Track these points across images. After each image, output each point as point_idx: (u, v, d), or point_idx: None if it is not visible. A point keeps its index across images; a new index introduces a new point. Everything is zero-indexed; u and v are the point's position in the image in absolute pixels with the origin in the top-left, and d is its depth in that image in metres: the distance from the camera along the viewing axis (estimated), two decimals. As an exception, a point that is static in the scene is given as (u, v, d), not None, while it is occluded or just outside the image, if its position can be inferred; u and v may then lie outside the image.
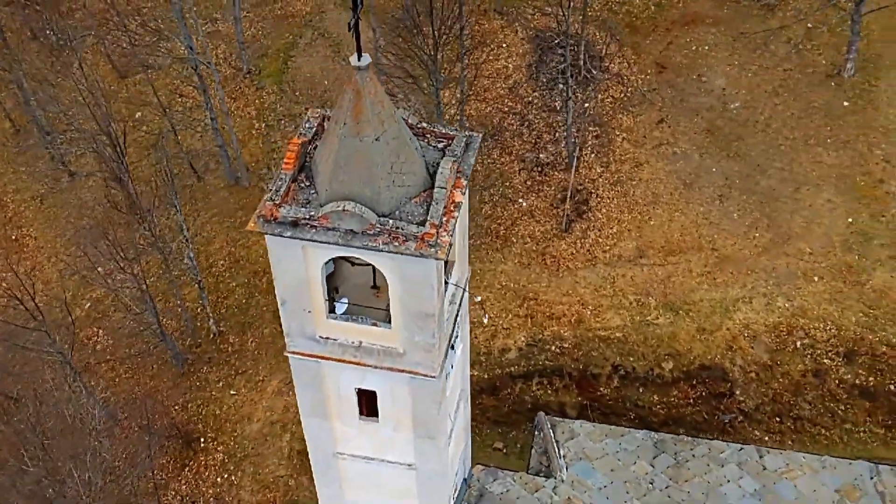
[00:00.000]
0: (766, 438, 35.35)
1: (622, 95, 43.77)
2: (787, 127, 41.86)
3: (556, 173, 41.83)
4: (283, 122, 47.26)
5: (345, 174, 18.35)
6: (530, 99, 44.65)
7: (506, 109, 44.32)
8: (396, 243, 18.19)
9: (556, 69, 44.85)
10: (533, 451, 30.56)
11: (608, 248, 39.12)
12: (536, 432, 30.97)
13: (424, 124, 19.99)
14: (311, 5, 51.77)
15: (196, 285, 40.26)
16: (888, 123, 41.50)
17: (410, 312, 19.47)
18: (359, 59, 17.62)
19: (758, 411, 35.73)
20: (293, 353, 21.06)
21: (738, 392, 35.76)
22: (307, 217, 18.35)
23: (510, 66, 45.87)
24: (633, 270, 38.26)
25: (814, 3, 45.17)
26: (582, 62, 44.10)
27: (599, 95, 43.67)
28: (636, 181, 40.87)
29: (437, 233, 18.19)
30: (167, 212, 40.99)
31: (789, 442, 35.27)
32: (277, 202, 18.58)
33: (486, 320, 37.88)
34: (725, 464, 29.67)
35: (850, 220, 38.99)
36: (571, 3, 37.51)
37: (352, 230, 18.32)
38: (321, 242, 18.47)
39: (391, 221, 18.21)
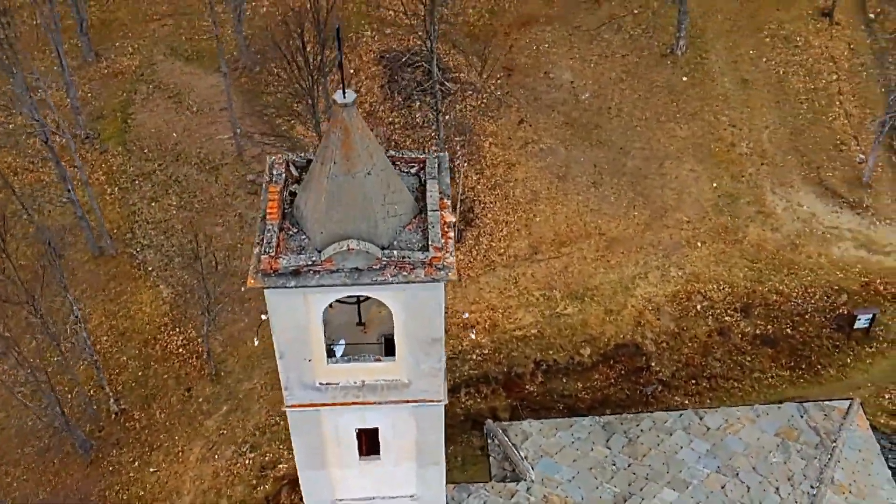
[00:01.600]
0: (686, 402, 37.16)
1: (479, 103, 44.80)
2: (637, 108, 44.18)
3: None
4: (137, 182, 45.27)
5: (339, 213, 18.05)
6: (391, 119, 44.92)
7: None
8: (405, 273, 18.07)
9: (411, 86, 45.35)
10: (491, 458, 30.83)
11: (502, 250, 39.95)
12: (490, 440, 31.26)
13: (392, 152, 19.94)
14: (139, 59, 49.86)
15: (88, 365, 37.94)
16: (725, 91, 44.61)
17: (417, 340, 19.34)
18: (344, 96, 17.40)
19: (674, 378, 37.51)
20: (293, 406, 20.43)
21: (653, 363, 37.41)
22: (309, 263, 17.92)
23: (363, 89, 45.96)
24: (531, 268, 39.25)
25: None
26: (435, 76, 44.80)
27: (458, 106, 44.51)
28: (513, 182, 41.96)
29: (443, 255, 18.20)
30: (46, 293, 38.45)
31: (707, 401, 37.22)
32: (273, 254, 18.02)
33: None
34: (673, 432, 31.04)
35: (714, 185, 41.63)
36: (431, 24, 37.97)
37: (357, 268, 18.05)
38: (326, 286, 18.08)
39: (395, 252, 18.07)
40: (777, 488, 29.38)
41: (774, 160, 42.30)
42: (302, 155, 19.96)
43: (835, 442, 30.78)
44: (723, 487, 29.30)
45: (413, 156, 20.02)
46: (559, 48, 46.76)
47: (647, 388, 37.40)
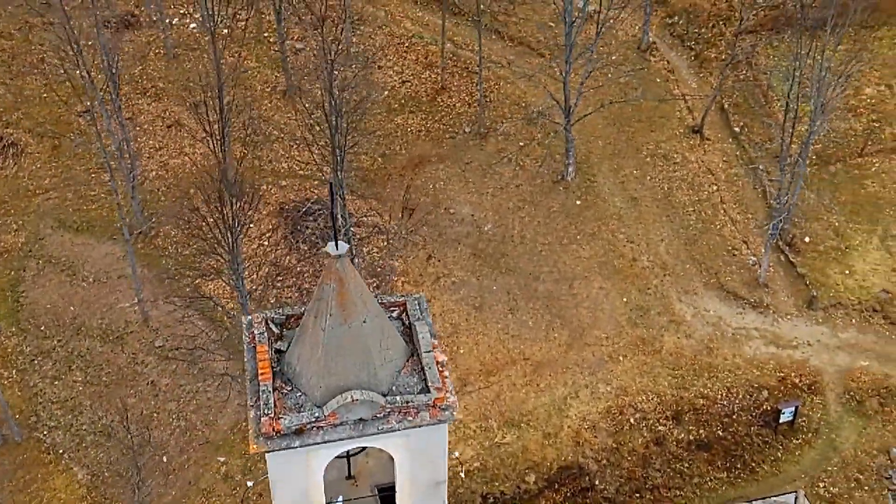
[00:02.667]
0: (633, 516, 37.33)
1: (385, 244, 45.28)
2: (539, 234, 45.61)
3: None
4: (36, 361, 43.11)
5: (339, 364, 17.77)
6: (299, 269, 44.74)
7: (278, 285, 44.00)
8: (410, 418, 17.84)
9: (315, 235, 45.47)
10: None
11: (432, 387, 39.74)
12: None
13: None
14: (26, 235, 48.19)
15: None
16: (618, 210, 46.69)
17: (422, 484, 18.95)
18: (336, 248, 17.41)
19: (619, 493, 37.66)
20: (293, 573, 19.42)
21: (597, 482, 37.53)
22: (312, 420, 17.45)
23: (266, 242, 45.77)
24: (463, 400, 39.15)
25: (515, 124, 50.12)
26: (343, 226, 45.23)
27: (365, 249, 44.84)
28: (431, 318, 42.10)
29: (445, 395, 18.09)
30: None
31: (653, 512, 37.51)
32: (272, 415, 17.48)
33: None
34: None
35: (624, 299, 43.03)
36: (338, 171, 38.57)
37: (361, 419, 17.69)
38: (332, 442, 17.60)
39: (398, 398, 17.84)
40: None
41: (675, 270, 44.22)
42: (280, 311, 19.66)
43: (793, 537, 31.54)
44: None
45: (393, 299, 20.05)
46: (455, 184, 48.08)
47: (594, 509, 37.37)
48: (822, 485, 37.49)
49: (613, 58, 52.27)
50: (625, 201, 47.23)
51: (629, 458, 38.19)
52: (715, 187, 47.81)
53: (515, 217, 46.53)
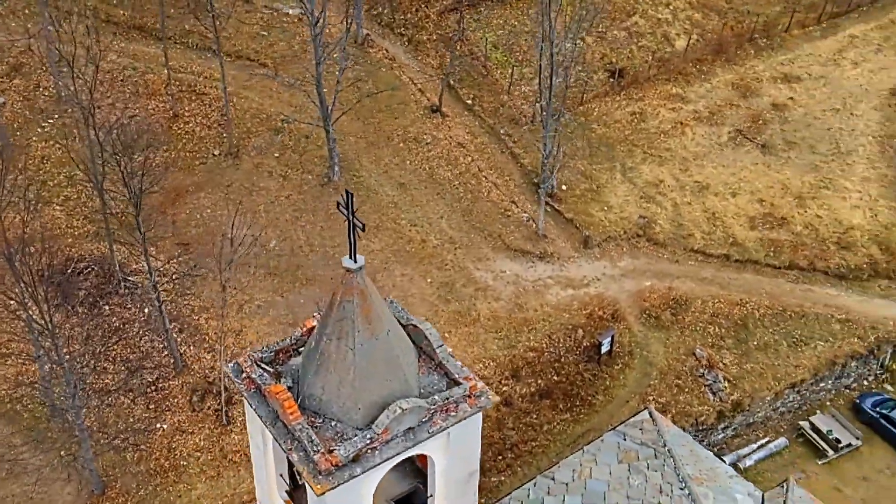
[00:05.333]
0: (504, 479, 38.74)
1: (173, 285, 42.74)
2: (325, 238, 45.33)
3: (170, 380, 39.50)
4: None
5: (374, 379, 17.23)
6: (85, 334, 41.02)
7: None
8: (453, 414, 17.70)
9: (93, 295, 41.92)
10: None
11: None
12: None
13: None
14: None
15: None
16: (392, 199, 47.54)
17: (458, 478, 18.85)
18: (355, 262, 16.75)
19: (483, 461, 38.85)
20: None
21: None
22: (367, 442, 16.78)
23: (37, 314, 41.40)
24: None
25: (264, 136, 49.21)
26: (117, 276, 42.19)
27: (152, 296, 42.05)
28: (249, 347, 40.62)
29: (476, 383, 18.12)
30: None
31: (519, 469, 39.19)
32: (323, 451, 16.59)
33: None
34: (540, 502, 32.46)
35: (428, 280, 44.15)
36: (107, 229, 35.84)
37: (410, 428, 17.27)
38: (390, 459, 17.03)
39: (437, 397, 17.64)
40: (660, 503, 32.05)
41: (463, 242, 45.99)
42: (265, 349, 18.53)
43: (665, 446, 34.37)
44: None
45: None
46: (222, 209, 46.32)
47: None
48: (650, 398, 41.13)
49: (336, 56, 52.73)
50: (395, 189, 48.17)
51: (485, 425, 39.39)
52: (470, 158, 50.13)
53: (296, 227, 45.84)
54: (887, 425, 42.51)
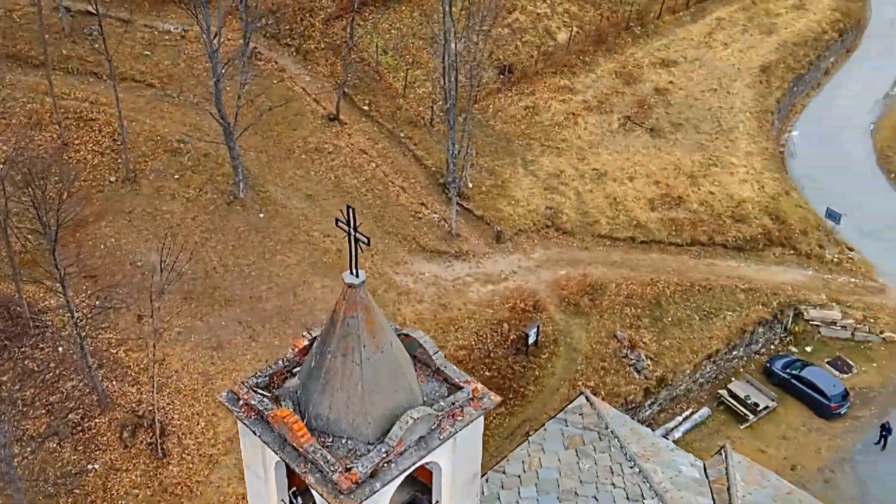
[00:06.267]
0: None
1: (86, 320, 41.13)
2: (239, 257, 44.50)
3: (97, 418, 38.12)
4: None
5: (381, 392, 17.23)
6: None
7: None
8: (459, 418, 17.86)
9: None
10: None
11: (210, 440, 37.64)
12: None
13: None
14: None
15: None
16: (300, 211, 47.09)
17: (463, 481, 18.99)
18: (356, 276, 16.66)
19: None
20: None
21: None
22: (383, 455, 16.76)
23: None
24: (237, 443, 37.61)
25: (161, 159, 47.89)
26: (24, 317, 40.36)
27: (65, 332, 40.45)
28: (175, 376, 39.60)
29: (476, 385, 18.31)
30: None
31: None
32: (341, 470, 16.48)
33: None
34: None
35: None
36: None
37: (421, 437, 17.33)
38: (406, 470, 17.05)
39: (442, 403, 17.75)
40: (613, 483, 32.93)
41: (379, 248, 45.96)
42: (258, 374, 18.22)
43: (608, 427, 35.34)
44: (580, 509, 31.95)
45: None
46: (126, 235, 44.90)
47: None
48: (580, 383, 42.16)
49: (225, 70, 51.80)
50: (302, 201, 47.70)
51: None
52: (374, 164, 50.12)
53: (207, 248, 44.82)
54: (798, 384, 44.86)
